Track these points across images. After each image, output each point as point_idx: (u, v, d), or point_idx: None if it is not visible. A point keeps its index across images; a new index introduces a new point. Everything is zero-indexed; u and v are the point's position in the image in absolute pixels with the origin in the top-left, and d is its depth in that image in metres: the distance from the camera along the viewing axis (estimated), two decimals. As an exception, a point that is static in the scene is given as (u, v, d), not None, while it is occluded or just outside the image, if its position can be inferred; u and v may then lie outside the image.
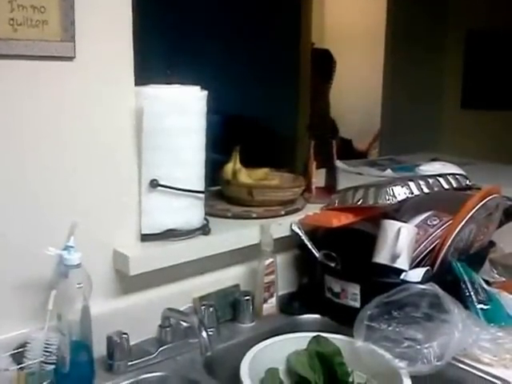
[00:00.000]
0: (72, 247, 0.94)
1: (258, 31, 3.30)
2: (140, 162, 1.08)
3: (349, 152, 3.38)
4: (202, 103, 1.12)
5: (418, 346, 1.00)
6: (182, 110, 1.09)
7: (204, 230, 1.18)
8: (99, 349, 1.01)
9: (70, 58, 0.96)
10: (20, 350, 0.92)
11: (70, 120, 0.99)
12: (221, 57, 3.18)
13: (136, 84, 1.06)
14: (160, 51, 3.08)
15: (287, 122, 3.41)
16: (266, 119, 3.29)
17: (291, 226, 1.30)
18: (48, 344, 0.91)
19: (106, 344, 1.02)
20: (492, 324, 1.09)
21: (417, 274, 1.17)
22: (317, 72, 3.53)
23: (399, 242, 1.17)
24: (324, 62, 3.59)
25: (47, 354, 0.91)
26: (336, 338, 1.09)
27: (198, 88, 1.13)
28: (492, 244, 1.41)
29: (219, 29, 3.26)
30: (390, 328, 1.03)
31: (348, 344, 1.07)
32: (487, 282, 1.25)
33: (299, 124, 3.47)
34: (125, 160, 1.07)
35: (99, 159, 1.03)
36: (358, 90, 4.41)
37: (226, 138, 1.72)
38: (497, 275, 1.38)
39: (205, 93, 1.13)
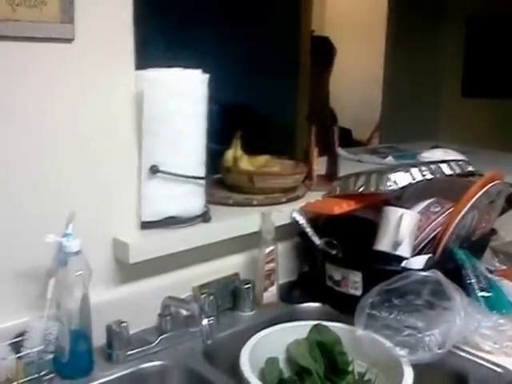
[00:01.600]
0: (71, 235, 0.93)
1: (258, 19, 3.27)
2: (140, 147, 1.07)
3: (348, 142, 3.36)
4: (204, 87, 1.10)
5: (419, 334, 0.99)
6: (183, 93, 1.07)
7: (204, 217, 1.17)
8: (98, 338, 1.00)
9: (69, 40, 0.94)
10: (19, 338, 0.91)
11: (69, 103, 0.97)
12: (220, 44, 3.15)
13: (136, 68, 1.04)
14: (160, 36, 3.05)
15: (287, 110, 3.39)
16: (266, 107, 3.27)
17: (292, 213, 1.28)
18: (47, 333, 0.91)
19: (106, 333, 1.01)
20: (493, 311, 1.09)
21: (419, 262, 1.16)
22: (316, 60, 3.49)
23: (401, 229, 1.16)
24: (324, 50, 3.56)
25: (46, 343, 0.90)
26: (336, 327, 1.09)
27: (199, 71, 1.11)
28: (493, 232, 1.40)
29: (219, 17, 3.23)
30: (391, 316, 1.03)
31: (349, 332, 1.06)
32: (488, 270, 1.24)
33: (299, 112, 3.44)
34: (124, 145, 1.05)
35: (98, 145, 1.01)
36: (357, 80, 4.38)
37: (225, 126, 1.70)
38: (498, 263, 1.38)
39: (206, 76, 1.11)
